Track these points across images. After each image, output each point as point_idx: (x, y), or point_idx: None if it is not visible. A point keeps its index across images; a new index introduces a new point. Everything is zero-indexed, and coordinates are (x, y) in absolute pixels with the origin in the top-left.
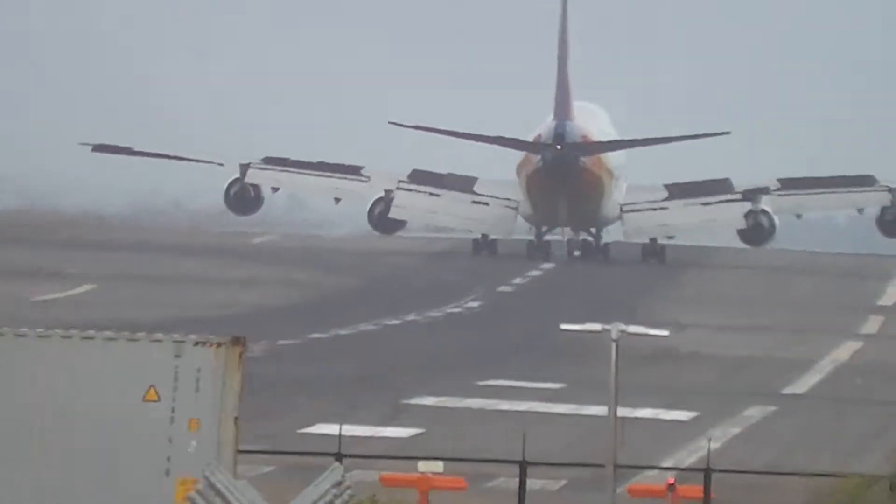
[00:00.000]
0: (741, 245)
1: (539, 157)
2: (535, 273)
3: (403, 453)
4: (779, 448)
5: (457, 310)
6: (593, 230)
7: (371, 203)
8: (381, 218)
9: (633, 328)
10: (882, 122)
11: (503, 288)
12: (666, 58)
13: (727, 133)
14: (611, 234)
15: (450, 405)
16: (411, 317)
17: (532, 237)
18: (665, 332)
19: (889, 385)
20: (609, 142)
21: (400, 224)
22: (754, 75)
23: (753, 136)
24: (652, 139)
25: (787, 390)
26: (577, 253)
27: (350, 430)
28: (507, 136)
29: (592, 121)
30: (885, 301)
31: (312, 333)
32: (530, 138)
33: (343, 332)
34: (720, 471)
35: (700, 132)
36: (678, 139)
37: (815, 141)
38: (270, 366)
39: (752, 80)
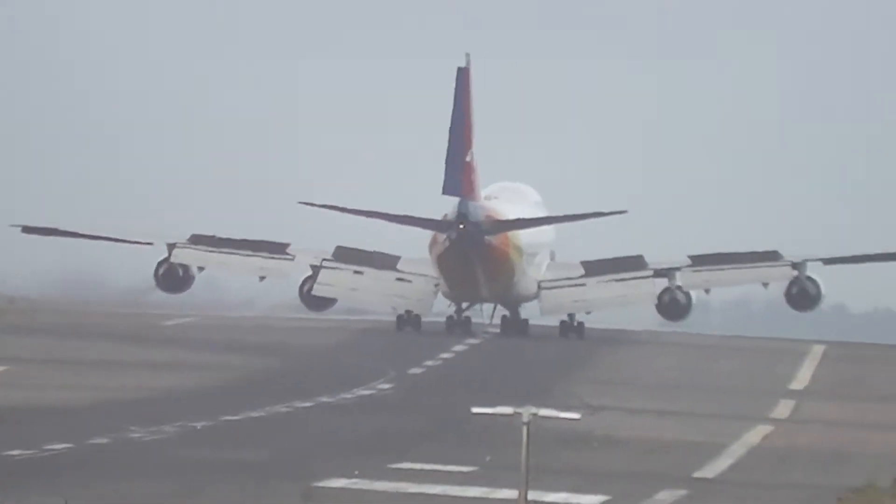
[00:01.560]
0: (658, 321)
1: (445, 236)
2: (446, 355)
3: None
4: None
5: (369, 391)
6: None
7: (301, 281)
8: (310, 296)
9: (544, 411)
10: (785, 197)
11: (414, 370)
12: (570, 139)
13: (624, 212)
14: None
15: (362, 487)
16: (324, 398)
17: (453, 313)
18: (577, 416)
19: (798, 468)
20: (507, 221)
21: (331, 301)
22: (659, 153)
23: (662, 215)
24: (545, 218)
25: (698, 474)
26: (491, 330)
27: None
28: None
29: (514, 200)
30: (795, 385)
31: (224, 416)
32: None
33: (256, 413)
34: None
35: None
36: (573, 218)
37: (723, 217)
38: (181, 448)
39: (656, 158)
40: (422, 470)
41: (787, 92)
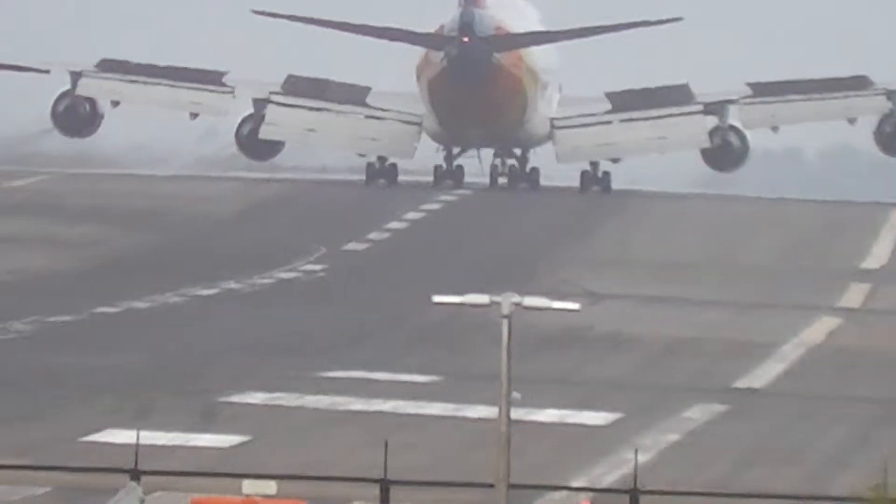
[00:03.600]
0: (704, 173)
1: (442, 54)
2: (398, 225)
3: (223, 469)
4: (729, 461)
5: (292, 274)
6: (518, 151)
7: (239, 121)
8: (252, 140)
9: (531, 300)
10: (875, 11)
11: (353, 245)
12: None
13: (678, 20)
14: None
15: (284, 404)
16: (230, 284)
17: (442, 161)
18: (575, 306)
19: (875, 375)
20: (529, 34)
21: (278, 147)
22: None
23: (716, 32)
24: (584, 29)
25: (741, 383)
26: (502, 180)
27: (150, 437)
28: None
29: (514, 14)
30: (870, 263)
31: (97, 307)
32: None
33: (139, 304)
34: (650, 492)
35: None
36: (617, 28)
37: (792, 36)
38: (40, 351)
39: None
40: (363, 380)
41: None
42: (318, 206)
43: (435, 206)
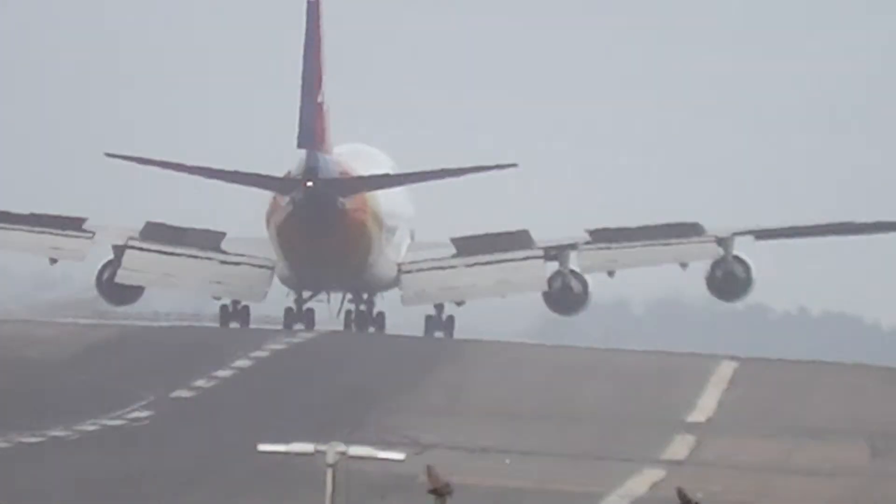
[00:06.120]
0: (545, 316)
1: (288, 198)
2: (224, 373)
3: None
4: None
5: (117, 422)
6: (365, 296)
7: (100, 267)
8: (111, 284)
9: (356, 450)
10: (706, 162)
11: (180, 393)
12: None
13: (514, 165)
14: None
15: None
16: (56, 432)
17: (292, 303)
18: (401, 456)
19: None
20: (372, 177)
21: (137, 292)
22: (543, 107)
23: (555, 178)
24: (426, 173)
25: None
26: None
27: None
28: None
29: (365, 161)
30: (696, 416)
31: None
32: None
33: None
34: None
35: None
36: (450, 174)
37: (629, 184)
38: None
39: (540, 114)
40: None
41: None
42: (154, 351)
43: (264, 354)
